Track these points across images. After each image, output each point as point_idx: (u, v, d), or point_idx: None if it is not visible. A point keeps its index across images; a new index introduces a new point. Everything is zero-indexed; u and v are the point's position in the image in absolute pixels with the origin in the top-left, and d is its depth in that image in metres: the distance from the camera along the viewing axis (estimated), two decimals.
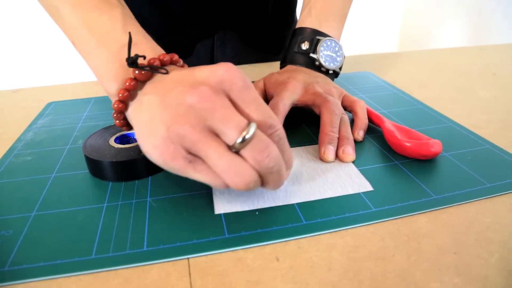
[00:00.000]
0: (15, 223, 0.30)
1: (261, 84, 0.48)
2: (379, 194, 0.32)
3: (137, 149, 0.35)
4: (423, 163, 0.36)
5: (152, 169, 0.35)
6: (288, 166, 0.30)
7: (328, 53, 0.49)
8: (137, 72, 0.29)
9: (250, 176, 0.26)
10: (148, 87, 0.30)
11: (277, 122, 0.28)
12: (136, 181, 0.35)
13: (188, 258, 0.26)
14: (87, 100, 0.54)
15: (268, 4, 0.67)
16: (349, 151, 0.37)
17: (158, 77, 0.30)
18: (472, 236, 0.28)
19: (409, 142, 0.37)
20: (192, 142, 0.26)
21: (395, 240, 0.28)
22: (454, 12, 1.95)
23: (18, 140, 0.43)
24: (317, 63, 0.48)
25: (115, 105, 0.30)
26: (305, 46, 0.49)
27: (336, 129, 0.39)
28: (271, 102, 0.42)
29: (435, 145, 0.36)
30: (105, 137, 0.38)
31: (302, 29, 0.50)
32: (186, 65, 0.33)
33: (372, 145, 0.40)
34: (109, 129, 0.39)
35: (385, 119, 0.42)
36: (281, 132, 0.29)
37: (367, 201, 0.31)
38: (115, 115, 0.32)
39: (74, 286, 0.25)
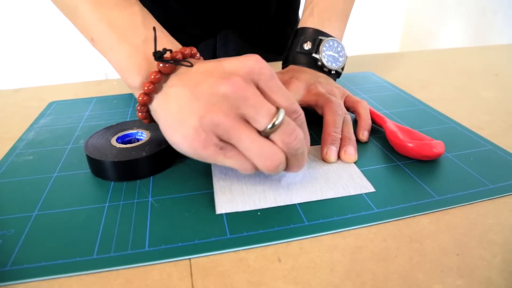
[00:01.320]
0: (17, 223, 0.30)
1: None
2: (381, 195, 0.32)
3: (139, 149, 0.35)
4: (425, 164, 0.36)
5: (154, 169, 0.35)
6: (308, 148, 0.32)
7: (330, 53, 0.49)
8: (161, 65, 0.30)
9: (280, 158, 0.29)
10: (174, 79, 0.31)
11: (299, 108, 0.30)
12: (138, 181, 0.35)
13: (189, 259, 0.26)
14: (89, 100, 0.54)
15: (270, 4, 0.67)
16: (351, 152, 0.37)
17: (182, 70, 0.31)
18: (474, 238, 0.28)
19: (412, 142, 0.36)
20: (225, 129, 0.28)
21: (397, 241, 0.28)
22: (456, 12, 1.94)
23: (20, 139, 0.43)
24: (319, 63, 0.48)
25: (140, 98, 0.31)
26: (307, 46, 0.49)
27: (339, 130, 0.38)
28: None
29: (438, 146, 0.36)
30: (106, 136, 0.38)
31: (304, 29, 0.50)
32: (202, 58, 0.34)
33: (374, 146, 0.40)
34: (110, 129, 0.39)
35: (387, 119, 0.42)
36: (303, 116, 0.31)
37: (369, 202, 0.31)
38: (139, 107, 0.33)
39: (76, 286, 0.25)
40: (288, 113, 0.30)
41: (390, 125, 0.40)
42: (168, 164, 0.37)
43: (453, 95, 0.54)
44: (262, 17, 0.67)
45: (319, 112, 0.42)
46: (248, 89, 0.28)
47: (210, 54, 0.67)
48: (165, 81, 0.31)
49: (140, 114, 0.33)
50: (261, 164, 0.29)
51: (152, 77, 0.30)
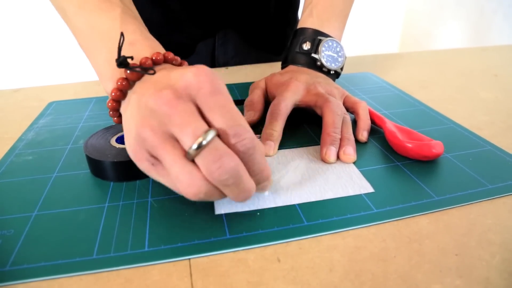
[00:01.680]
0: (16, 223, 0.30)
1: (262, 84, 0.48)
2: (381, 195, 0.32)
3: None
4: (424, 164, 0.36)
5: None
6: (261, 178, 0.29)
7: (330, 53, 0.49)
8: (128, 72, 0.29)
9: (199, 187, 0.25)
10: (137, 86, 0.30)
11: (246, 131, 0.26)
12: (138, 181, 0.35)
13: (189, 259, 0.26)
14: (88, 100, 0.54)
15: (269, 3, 0.67)
16: (350, 152, 0.37)
17: (146, 77, 0.30)
18: (473, 238, 0.28)
19: (411, 143, 0.37)
20: (151, 146, 0.26)
21: (397, 242, 0.28)
22: (455, 13, 1.95)
23: (19, 139, 0.43)
24: (318, 63, 0.48)
25: (109, 104, 0.31)
26: (306, 46, 0.49)
27: (338, 130, 0.39)
28: (272, 103, 0.42)
29: (437, 146, 0.36)
30: (106, 137, 0.38)
31: (303, 29, 0.50)
32: (185, 62, 0.33)
33: (373, 146, 0.40)
34: (110, 129, 0.39)
35: (386, 120, 0.42)
36: (249, 142, 0.26)
37: (369, 202, 0.31)
38: (110, 112, 0.32)
39: (75, 286, 0.25)
40: (227, 136, 0.26)
41: (390, 126, 0.40)
42: None
43: (452, 96, 0.54)
44: (261, 17, 0.67)
45: (318, 112, 0.42)
46: (176, 105, 0.25)
47: (209, 54, 0.67)
48: (131, 87, 0.30)
49: (114, 119, 0.33)
50: (180, 189, 0.26)
51: (119, 83, 0.30)
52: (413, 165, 0.36)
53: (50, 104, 0.53)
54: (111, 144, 0.36)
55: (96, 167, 0.35)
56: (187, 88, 0.26)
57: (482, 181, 0.34)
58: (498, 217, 0.30)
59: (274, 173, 0.35)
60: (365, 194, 0.32)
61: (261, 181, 0.29)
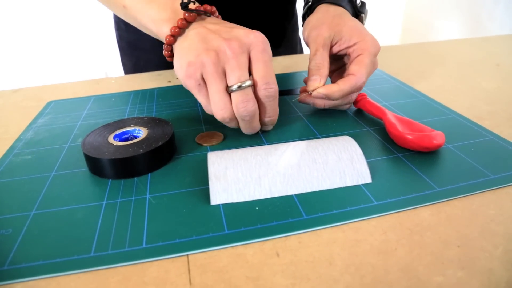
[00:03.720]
0: (15, 222, 0.30)
1: (323, 37, 0.45)
2: (381, 187, 0.32)
3: (136, 146, 0.35)
4: (425, 155, 0.36)
5: (152, 166, 0.35)
6: (270, 121, 0.39)
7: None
8: (186, 14, 0.38)
9: (227, 113, 0.36)
10: (194, 25, 0.38)
11: (274, 83, 0.36)
12: (136, 178, 0.34)
13: (187, 255, 0.26)
14: (87, 99, 0.54)
15: None
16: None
17: (201, 20, 0.39)
18: (476, 229, 0.27)
19: (411, 134, 0.36)
20: (207, 72, 0.35)
21: (398, 234, 0.27)
22: (456, 3, 1.93)
23: (18, 139, 0.43)
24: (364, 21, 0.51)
25: (167, 39, 0.39)
26: (358, 2, 0.51)
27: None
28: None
29: (438, 137, 0.35)
30: (104, 134, 0.38)
31: None
32: (220, 16, 0.42)
33: (373, 138, 0.40)
34: (108, 127, 0.39)
35: (387, 111, 0.41)
36: (274, 91, 0.36)
37: (369, 194, 0.31)
38: (165, 46, 0.40)
39: (73, 284, 0.24)
40: (260, 83, 0.36)
41: (390, 117, 0.40)
42: (166, 161, 0.37)
43: (454, 86, 0.53)
44: (259, 9, 0.67)
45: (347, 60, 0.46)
46: (238, 54, 0.35)
47: None
48: (188, 27, 0.38)
49: (166, 52, 0.40)
50: (214, 109, 0.36)
51: (179, 23, 0.38)
52: (414, 156, 0.36)
53: (49, 103, 0.53)
54: (109, 142, 0.36)
55: (94, 165, 0.35)
56: (248, 44, 0.36)
57: (484, 171, 0.33)
58: (500, 207, 0.29)
59: (273, 152, 0.34)
60: (365, 186, 0.32)
61: (270, 123, 0.39)
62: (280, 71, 0.62)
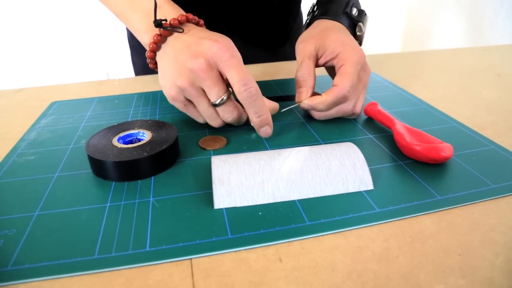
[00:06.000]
0: (18, 223, 0.30)
1: (310, 49, 0.46)
2: (383, 194, 0.32)
3: (140, 149, 0.35)
4: (427, 164, 0.36)
5: (155, 169, 0.35)
6: (263, 121, 0.39)
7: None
8: (162, 30, 0.39)
9: (220, 121, 0.41)
10: (170, 40, 0.40)
11: (252, 82, 0.37)
12: (139, 181, 0.35)
13: (191, 259, 0.26)
14: (90, 100, 0.54)
15: None
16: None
17: (177, 34, 0.40)
18: (476, 238, 0.28)
19: (419, 145, 0.36)
20: (188, 94, 0.39)
21: (399, 241, 0.27)
22: (458, 12, 1.94)
23: (21, 139, 0.43)
24: (358, 33, 0.51)
25: (148, 54, 0.41)
26: (355, 12, 0.51)
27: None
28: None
29: (446, 149, 0.35)
30: (108, 137, 0.38)
31: None
32: (202, 21, 0.43)
33: (376, 145, 0.40)
34: (112, 129, 0.39)
35: (396, 121, 0.41)
36: (254, 90, 0.37)
37: (371, 201, 0.31)
38: (148, 60, 0.42)
39: (77, 286, 0.24)
40: (238, 88, 0.37)
41: (399, 127, 0.40)
42: (169, 164, 0.37)
43: (455, 95, 0.54)
44: (264, 8, 0.67)
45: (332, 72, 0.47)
46: (207, 71, 0.37)
47: None
48: (164, 41, 0.40)
49: (151, 64, 0.42)
50: (207, 121, 0.41)
51: (155, 38, 0.40)
52: (415, 165, 0.36)
53: (52, 104, 0.54)
54: (113, 144, 0.36)
55: (98, 167, 0.35)
56: (213, 57, 0.37)
57: (485, 180, 0.34)
58: (501, 216, 0.30)
59: (276, 157, 0.34)
60: (367, 193, 0.32)
61: (263, 124, 0.40)
62: (284, 76, 0.62)
